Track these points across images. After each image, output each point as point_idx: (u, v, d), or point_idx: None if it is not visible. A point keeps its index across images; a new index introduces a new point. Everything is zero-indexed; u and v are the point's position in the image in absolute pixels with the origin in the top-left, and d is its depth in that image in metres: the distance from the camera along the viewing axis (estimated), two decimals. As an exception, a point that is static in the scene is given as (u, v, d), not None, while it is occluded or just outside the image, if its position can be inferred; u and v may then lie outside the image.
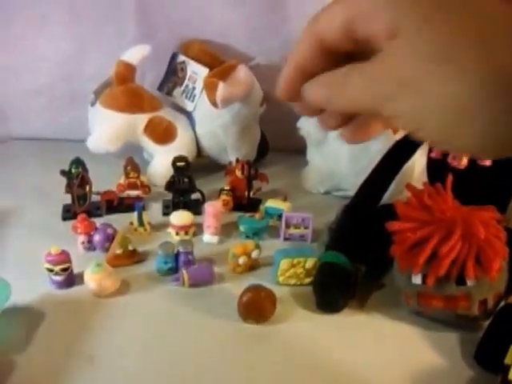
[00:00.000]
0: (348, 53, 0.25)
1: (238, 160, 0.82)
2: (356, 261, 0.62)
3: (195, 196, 0.80)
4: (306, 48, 0.26)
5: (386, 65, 0.22)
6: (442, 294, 0.54)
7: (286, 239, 0.73)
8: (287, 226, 0.72)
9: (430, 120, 0.22)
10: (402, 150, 0.65)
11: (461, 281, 0.53)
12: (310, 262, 0.62)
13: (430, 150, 0.63)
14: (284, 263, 0.62)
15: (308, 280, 0.63)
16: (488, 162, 0.56)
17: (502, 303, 0.55)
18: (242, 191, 0.80)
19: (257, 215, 0.73)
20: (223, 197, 0.78)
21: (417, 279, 0.54)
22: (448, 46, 0.21)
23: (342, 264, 0.60)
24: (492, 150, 0.22)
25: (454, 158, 0.57)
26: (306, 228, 0.72)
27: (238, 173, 0.79)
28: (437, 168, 0.61)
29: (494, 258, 0.52)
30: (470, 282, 0.53)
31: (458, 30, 0.21)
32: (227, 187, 0.79)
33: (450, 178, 0.55)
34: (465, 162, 0.56)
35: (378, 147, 0.75)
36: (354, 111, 0.26)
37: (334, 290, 0.59)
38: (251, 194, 0.80)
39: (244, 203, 0.80)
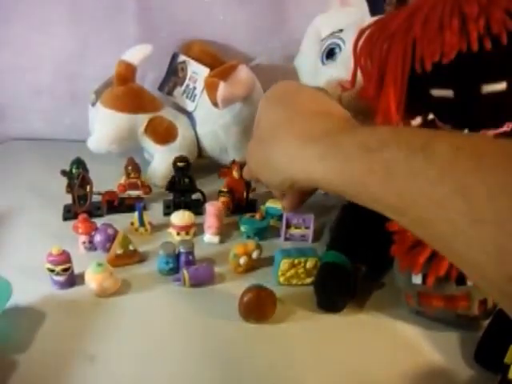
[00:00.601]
0: None
1: (234, 161, 0.81)
2: (356, 261, 0.62)
3: (196, 196, 0.80)
4: None
5: (248, 146, 0.43)
6: (442, 294, 0.54)
7: (286, 239, 0.73)
8: (288, 226, 0.72)
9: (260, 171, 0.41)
10: None
11: (461, 280, 0.53)
12: (310, 262, 0.62)
13: None
14: (284, 263, 0.62)
15: (309, 280, 0.63)
16: None
17: None
18: (241, 192, 0.80)
19: (257, 215, 0.73)
20: (222, 199, 0.78)
21: (417, 279, 0.54)
22: (265, 133, 0.41)
23: (343, 264, 0.61)
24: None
25: None
26: (306, 228, 0.72)
27: (235, 174, 0.79)
28: None
29: None
30: (470, 282, 0.53)
31: (271, 124, 0.40)
32: (224, 189, 0.79)
33: None
34: None
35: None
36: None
37: (334, 289, 0.59)
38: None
39: (243, 204, 0.80)
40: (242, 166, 0.79)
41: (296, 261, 0.62)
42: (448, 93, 0.53)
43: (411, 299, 0.57)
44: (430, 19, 0.51)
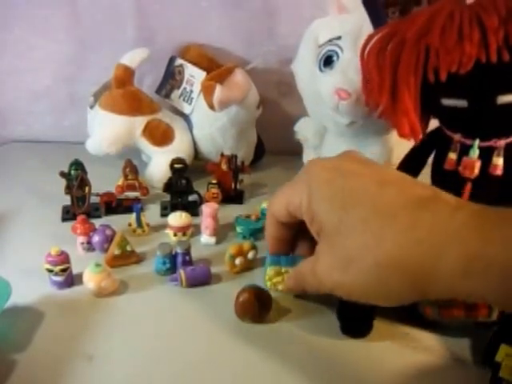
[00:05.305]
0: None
1: (222, 154, 0.84)
2: None
3: (193, 198, 0.81)
4: (271, 224, 0.39)
5: (323, 269, 0.34)
6: (463, 303, 0.53)
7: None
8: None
9: (364, 295, 0.34)
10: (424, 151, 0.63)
11: None
12: None
13: (443, 162, 0.60)
14: (271, 270, 0.60)
15: None
16: (499, 172, 0.55)
17: None
18: (229, 184, 0.84)
19: (253, 216, 0.74)
20: (213, 190, 0.82)
21: None
22: (356, 253, 0.30)
23: None
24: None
25: (464, 167, 0.56)
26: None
27: (224, 166, 0.83)
28: (448, 178, 0.59)
29: None
30: None
31: (362, 241, 0.30)
32: (214, 181, 0.83)
33: (468, 187, 0.55)
34: (476, 171, 0.55)
35: (375, 149, 0.76)
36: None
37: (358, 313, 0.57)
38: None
39: (231, 195, 0.84)
40: (229, 158, 0.81)
41: (283, 269, 0.60)
42: (462, 103, 0.52)
43: (431, 311, 0.55)
44: (447, 29, 0.50)
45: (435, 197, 0.31)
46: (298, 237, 0.38)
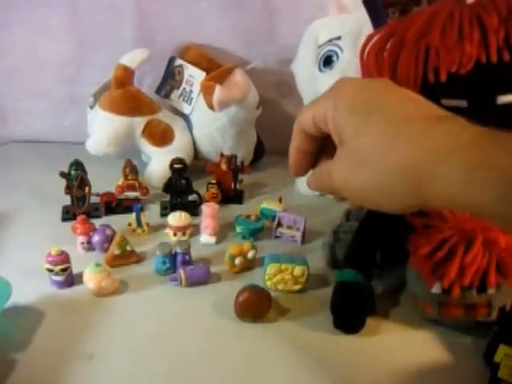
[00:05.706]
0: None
1: (222, 154, 0.85)
2: (371, 278, 0.62)
3: (192, 197, 0.81)
4: (298, 135, 0.39)
5: (336, 168, 0.35)
6: (462, 303, 0.53)
7: (276, 237, 0.74)
8: (279, 224, 0.74)
9: (367, 197, 0.34)
10: None
11: (481, 289, 0.53)
12: (298, 270, 0.61)
13: None
14: (271, 267, 0.62)
15: (296, 287, 0.63)
16: None
17: None
18: (229, 183, 0.84)
19: (253, 216, 0.75)
20: (212, 190, 0.82)
21: (437, 288, 0.54)
22: (368, 154, 0.32)
23: (360, 283, 0.59)
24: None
25: None
26: (298, 230, 0.73)
27: (223, 166, 0.83)
28: None
29: None
30: (490, 290, 0.53)
31: (375, 143, 0.32)
32: (213, 181, 0.83)
33: None
34: None
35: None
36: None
37: (352, 310, 0.58)
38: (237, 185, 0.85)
39: (231, 195, 0.85)
40: (229, 158, 0.81)
41: (283, 266, 0.61)
42: (461, 103, 0.52)
43: (430, 309, 0.56)
44: (447, 29, 0.50)
45: (452, 117, 0.33)
46: (319, 157, 0.40)
